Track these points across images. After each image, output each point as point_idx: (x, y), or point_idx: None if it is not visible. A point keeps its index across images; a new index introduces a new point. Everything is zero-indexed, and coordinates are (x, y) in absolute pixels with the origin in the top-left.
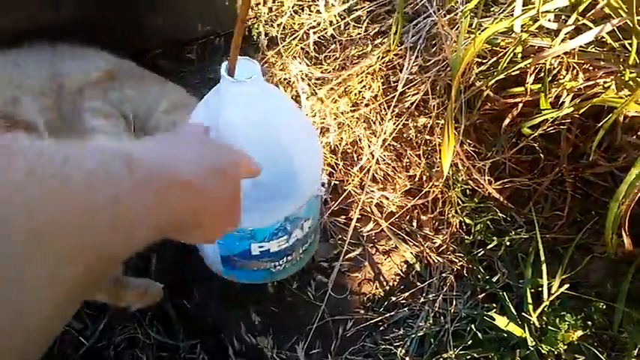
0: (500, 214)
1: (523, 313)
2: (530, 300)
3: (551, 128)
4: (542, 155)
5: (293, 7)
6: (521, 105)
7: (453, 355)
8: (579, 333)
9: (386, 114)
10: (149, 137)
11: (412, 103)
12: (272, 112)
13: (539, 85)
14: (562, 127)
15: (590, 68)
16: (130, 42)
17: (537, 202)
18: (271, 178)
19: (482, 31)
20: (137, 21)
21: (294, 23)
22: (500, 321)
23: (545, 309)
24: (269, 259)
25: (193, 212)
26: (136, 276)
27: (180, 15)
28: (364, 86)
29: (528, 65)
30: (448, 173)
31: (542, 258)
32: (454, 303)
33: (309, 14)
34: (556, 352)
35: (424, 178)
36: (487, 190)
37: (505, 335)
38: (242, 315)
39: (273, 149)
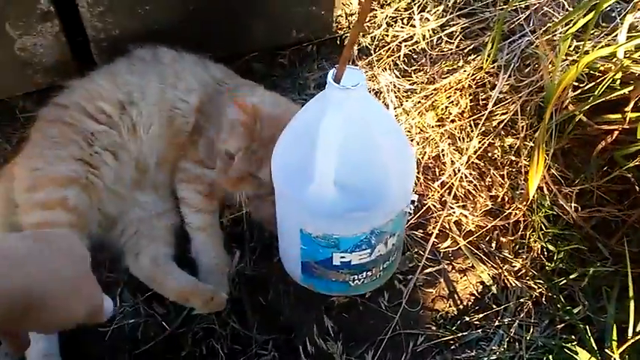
0: (585, 244)
1: (606, 350)
2: (614, 336)
3: None
4: (635, 186)
5: (386, 20)
6: (616, 133)
7: None
8: None
9: (472, 131)
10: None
11: (500, 123)
12: (372, 121)
13: (638, 114)
14: None
15: None
16: (227, 46)
17: (625, 234)
18: (363, 187)
19: (582, 54)
20: (236, 26)
21: (386, 35)
22: (582, 355)
23: (629, 348)
24: (349, 271)
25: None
26: None
27: (275, 22)
28: (452, 102)
29: (628, 92)
30: (532, 197)
31: (631, 294)
32: (531, 330)
33: (402, 27)
34: None
35: (506, 199)
36: (572, 217)
37: None
38: (314, 318)
39: (368, 157)
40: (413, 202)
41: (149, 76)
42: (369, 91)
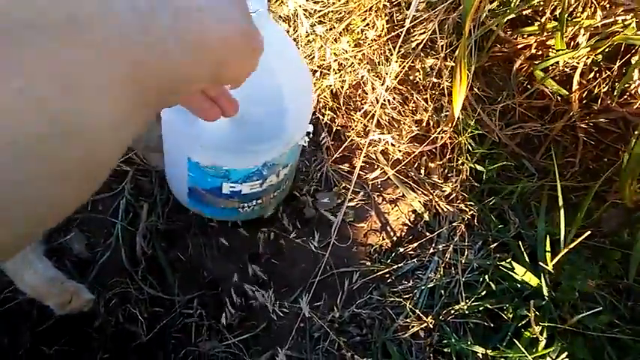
0: (511, 162)
1: (540, 263)
2: (547, 248)
3: (565, 71)
4: (553, 100)
5: None
6: (535, 45)
7: (465, 307)
8: (595, 282)
9: (391, 54)
10: None
11: (419, 44)
12: (271, 51)
13: (554, 24)
14: (574, 70)
15: (608, 6)
16: None
17: (548, 148)
18: (259, 120)
19: None
20: None
21: None
22: (518, 270)
23: (561, 258)
24: (238, 199)
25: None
26: (126, 224)
27: None
28: (367, 24)
29: (543, 2)
30: (457, 118)
31: (561, 203)
32: (465, 253)
33: None
34: (571, 302)
35: (431, 123)
36: (497, 135)
37: (519, 286)
38: (240, 268)
39: (265, 89)
40: (308, 133)
41: None
42: (276, 18)
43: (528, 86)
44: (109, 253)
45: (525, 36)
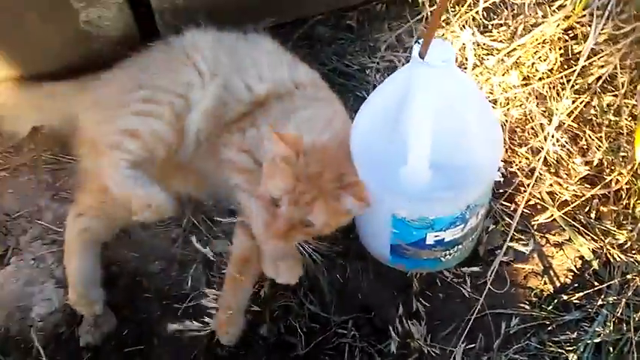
0: None
1: None
2: None
3: None
4: None
5: None
6: None
7: None
8: None
9: (564, 89)
10: None
11: (597, 79)
12: (459, 97)
13: None
14: None
15: None
16: (289, 10)
17: None
18: (456, 163)
19: None
20: None
21: None
22: None
23: None
24: (441, 248)
25: None
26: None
27: None
28: (539, 57)
29: None
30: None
31: None
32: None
33: None
34: None
35: (605, 164)
36: None
37: None
38: (393, 297)
39: (458, 132)
40: (499, 168)
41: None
42: None
43: None
44: None
45: None
